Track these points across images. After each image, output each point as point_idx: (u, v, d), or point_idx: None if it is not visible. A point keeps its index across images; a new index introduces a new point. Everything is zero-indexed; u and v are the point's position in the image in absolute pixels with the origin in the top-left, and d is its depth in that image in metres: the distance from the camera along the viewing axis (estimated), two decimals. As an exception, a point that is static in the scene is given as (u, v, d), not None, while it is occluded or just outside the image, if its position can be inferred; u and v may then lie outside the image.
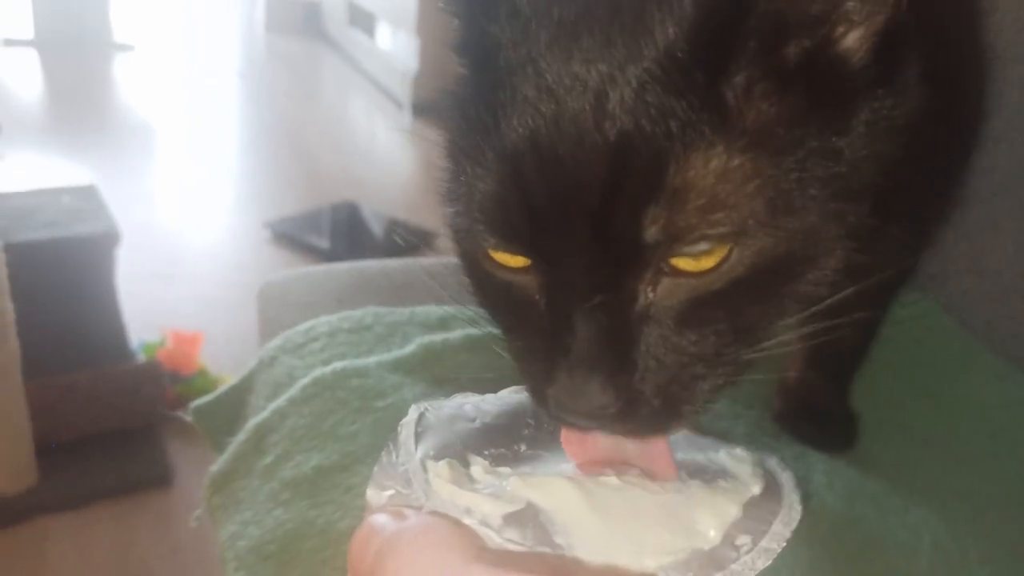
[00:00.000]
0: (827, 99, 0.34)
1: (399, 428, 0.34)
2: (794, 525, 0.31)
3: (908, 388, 0.70)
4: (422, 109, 2.92)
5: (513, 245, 0.34)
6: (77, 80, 3.31)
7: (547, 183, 0.32)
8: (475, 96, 0.35)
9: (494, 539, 0.28)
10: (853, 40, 0.34)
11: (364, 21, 3.73)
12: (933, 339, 0.76)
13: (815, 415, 0.65)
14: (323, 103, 3.59)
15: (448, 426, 0.35)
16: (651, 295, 0.33)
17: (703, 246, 0.32)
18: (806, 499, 0.56)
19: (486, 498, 0.30)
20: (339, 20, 4.00)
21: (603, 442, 0.35)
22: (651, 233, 0.31)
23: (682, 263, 0.32)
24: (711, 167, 0.31)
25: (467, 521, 0.29)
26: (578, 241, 0.32)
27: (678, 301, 0.33)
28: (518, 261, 0.35)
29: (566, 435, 0.35)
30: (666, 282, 0.33)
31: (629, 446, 0.35)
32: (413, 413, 0.35)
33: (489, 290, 0.38)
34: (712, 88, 0.32)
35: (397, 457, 0.32)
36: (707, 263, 0.32)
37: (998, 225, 0.77)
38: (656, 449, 0.34)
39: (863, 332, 0.65)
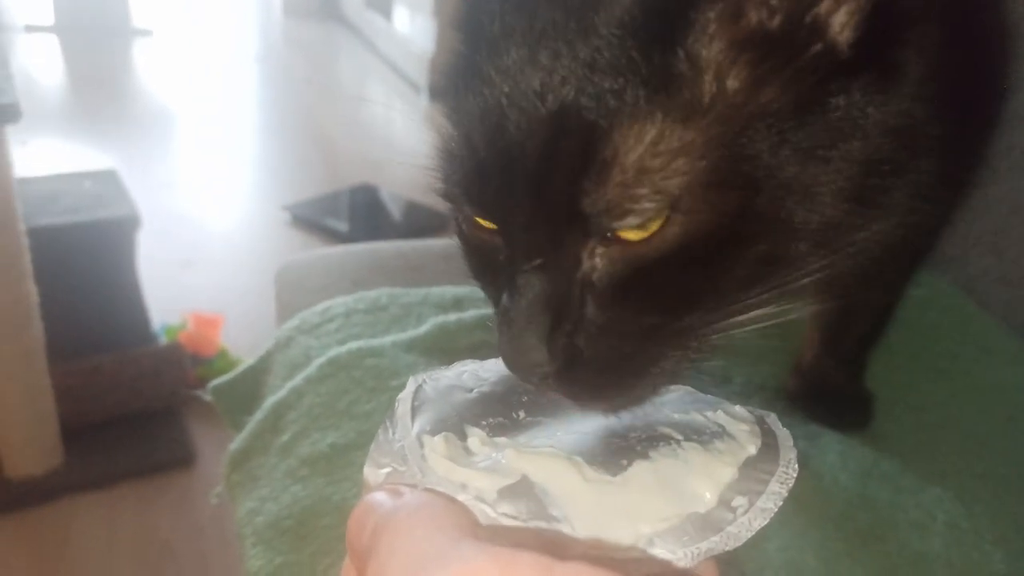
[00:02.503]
0: (801, 76, 0.33)
1: (396, 402, 0.34)
2: (791, 484, 0.31)
3: (925, 369, 0.70)
4: (439, 91, 2.91)
5: (472, 206, 0.36)
6: (97, 66, 3.33)
7: (495, 150, 0.34)
8: (463, 69, 0.37)
9: (489, 514, 0.28)
10: (840, 17, 0.33)
11: (381, 4, 3.71)
12: (950, 320, 0.76)
13: (830, 395, 0.64)
14: (341, 86, 3.59)
15: (445, 397, 0.35)
16: (594, 261, 0.34)
17: (631, 220, 0.32)
18: (819, 478, 0.56)
19: (481, 473, 0.30)
20: (356, 3, 3.99)
21: None
22: (584, 204, 0.32)
23: (624, 231, 0.33)
24: (645, 140, 0.31)
25: (462, 497, 0.29)
26: (520, 205, 0.33)
27: (620, 268, 0.33)
28: (491, 223, 0.37)
29: None
30: (609, 249, 0.33)
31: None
32: (411, 386, 0.35)
33: (468, 250, 0.40)
34: (662, 59, 0.32)
35: (394, 433, 0.32)
36: (648, 230, 0.32)
37: (1017, 205, 0.76)
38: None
39: (879, 313, 0.64)
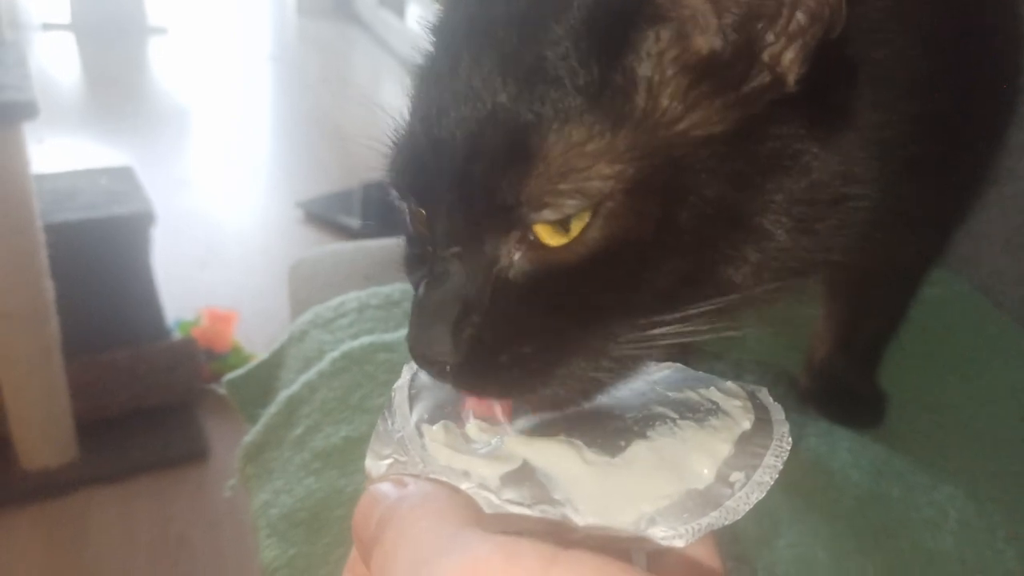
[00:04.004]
0: (743, 103, 0.33)
1: (392, 392, 0.34)
2: (785, 456, 0.31)
3: (939, 369, 0.70)
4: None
5: (405, 191, 0.37)
6: (113, 63, 3.36)
7: (432, 139, 0.35)
8: (428, 70, 0.38)
9: (493, 501, 0.28)
10: (789, 53, 0.33)
11: (394, 2, 3.72)
12: (965, 320, 0.76)
13: (842, 394, 0.64)
14: (354, 84, 3.60)
15: (441, 385, 0.35)
16: (512, 258, 0.34)
17: (548, 214, 0.32)
18: (831, 475, 0.56)
19: (483, 459, 0.30)
20: (370, 1, 4.00)
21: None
22: (506, 193, 0.33)
23: (543, 233, 0.33)
24: (572, 140, 0.32)
25: (465, 485, 0.29)
26: (446, 191, 0.34)
27: (537, 268, 0.34)
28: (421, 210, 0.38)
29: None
30: (528, 250, 0.34)
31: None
32: (406, 375, 0.35)
33: (408, 243, 0.40)
34: (600, 72, 0.33)
35: (393, 424, 0.32)
36: (568, 234, 0.33)
37: (1034, 202, 0.75)
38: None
39: (892, 311, 0.64)
